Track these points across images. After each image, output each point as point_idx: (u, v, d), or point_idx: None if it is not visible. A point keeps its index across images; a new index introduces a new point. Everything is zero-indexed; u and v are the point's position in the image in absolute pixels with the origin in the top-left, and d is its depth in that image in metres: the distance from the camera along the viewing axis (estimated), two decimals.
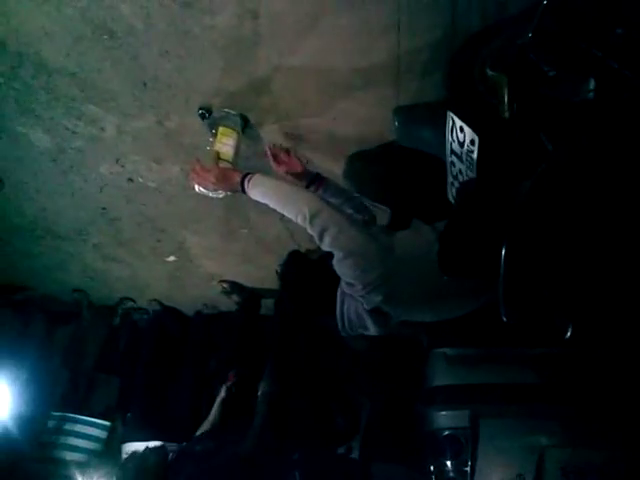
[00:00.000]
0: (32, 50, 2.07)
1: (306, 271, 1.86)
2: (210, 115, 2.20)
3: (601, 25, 1.30)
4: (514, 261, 1.26)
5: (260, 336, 3.61)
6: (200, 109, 2.22)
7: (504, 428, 2.67)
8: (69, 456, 3.65)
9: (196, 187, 2.04)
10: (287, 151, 2.19)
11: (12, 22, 1.97)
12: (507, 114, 1.33)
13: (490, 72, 1.39)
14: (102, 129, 2.43)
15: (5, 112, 2.36)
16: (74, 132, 2.46)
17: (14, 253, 3.49)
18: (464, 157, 1.47)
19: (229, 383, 3.22)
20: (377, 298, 1.63)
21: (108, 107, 2.32)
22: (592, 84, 1.31)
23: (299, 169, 2.13)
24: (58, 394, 3.89)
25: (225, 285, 3.68)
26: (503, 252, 1.23)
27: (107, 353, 4.12)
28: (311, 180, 2.11)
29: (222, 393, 3.17)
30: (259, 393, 3.01)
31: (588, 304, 1.38)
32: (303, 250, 2.02)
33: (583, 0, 1.32)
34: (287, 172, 2.15)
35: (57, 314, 4.12)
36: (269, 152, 2.16)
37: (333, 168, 2.33)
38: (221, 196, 2.04)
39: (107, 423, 3.87)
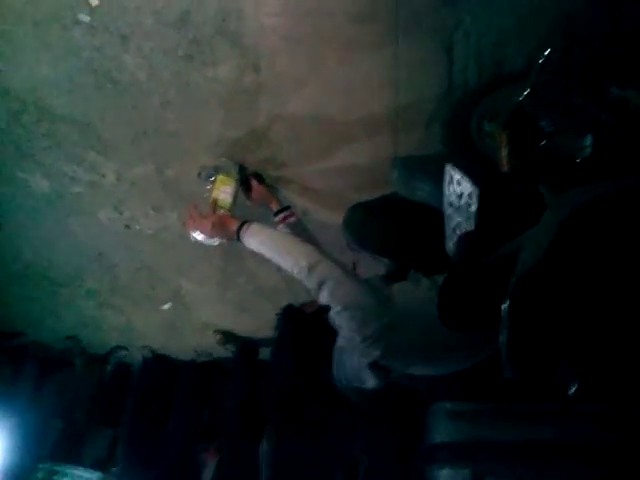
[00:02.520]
0: (35, 97, 2.11)
1: (302, 326, 1.83)
2: (207, 173, 2.22)
3: (596, 83, 1.32)
4: (517, 317, 1.23)
5: (258, 388, 3.54)
6: (199, 171, 2.24)
7: None
8: None
9: (192, 235, 2.03)
10: (259, 179, 2.29)
11: (17, 70, 2.00)
12: (506, 168, 1.33)
13: (488, 127, 1.41)
14: (102, 175, 2.45)
15: (5, 157, 2.38)
16: (73, 178, 2.47)
17: (8, 299, 3.45)
18: (462, 210, 1.46)
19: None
20: (376, 352, 1.60)
21: (108, 154, 2.34)
22: (589, 140, 1.32)
23: (268, 199, 2.26)
24: (49, 444, 3.79)
25: (220, 336, 3.63)
26: (505, 307, 1.21)
27: (99, 402, 4.03)
28: (281, 210, 2.23)
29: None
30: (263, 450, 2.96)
31: (592, 360, 1.35)
32: (300, 302, 1.99)
33: (579, 59, 1.35)
34: (259, 201, 2.28)
35: (49, 361, 4.06)
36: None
37: (332, 218, 2.33)
38: (216, 244, 2.02)
39: (98, 475, 3.74)
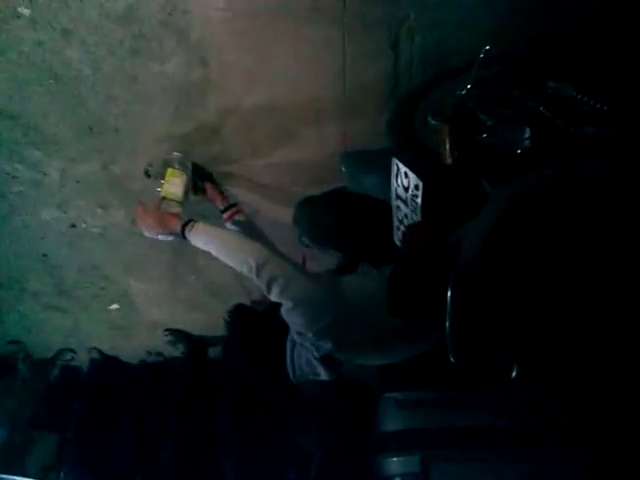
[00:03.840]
0: None
1: (252, 325, 1.84)
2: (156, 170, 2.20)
3: (534, 77, 1.39)
4: (460, 302, 1.28)
5: (209, 385, 3.52)
6: (146, 170, 2.21)
7: (455, 473, 2.66)
8: None
9: (144, 231, 2.00)
10: (207, 176, 2.28)
11: None
12: (449, 160, 1.39)
13: (431, 121, 1.45)
14: (45, 174, 2.38)
15: None
16: (15, 176, 2.39)
17: None
18: (409, 202, 1.51)
19: None
20: (327, 345, 1.63)
21: (52, 151, 2.27)
22: (527, 132, 1.39)
23: (215, 197, 2.26)
24: None
25: (170, 335, 3.58)
26: (449, 294, 1.26)
27: (45, 407, 3.91)
28: (228, 207, 2.22)
29: None
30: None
31: (531, 344, 1.42)
32: (251, 298, 2.00)
33: (518, 54, 1.42)
34: (207, 197, 2.27)
35: None
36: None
37: (283, 214, 2.34)
38: (170, 239, 1.99)
39: None
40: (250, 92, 2.04)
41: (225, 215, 2.22)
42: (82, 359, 3.91)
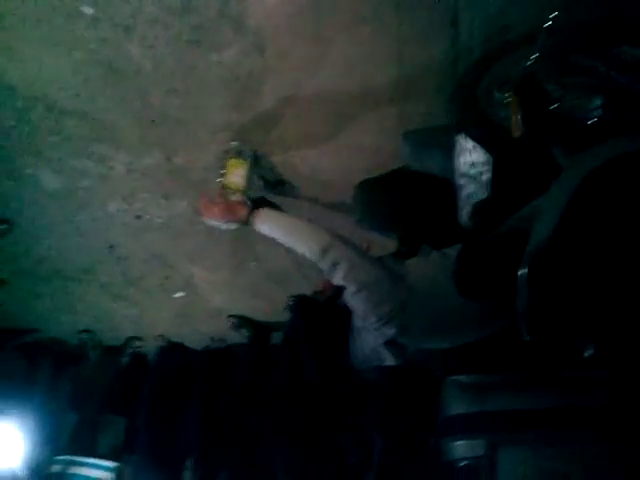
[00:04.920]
0: (41, 92, 2.10)
1: (314, 315, 1.86)
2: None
3: (605, 43, 1.33)
4: (535, 282, 1.25)
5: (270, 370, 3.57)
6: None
7: (522, 456, 2.61)
8: None
9: (207, 220, 2.05)
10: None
11: (22, 66, 2.01)
12: (518, 133, 1.35)
13: (497, 95, 1.42)
14: (110, 167, 2.46)
15: (15, 154, 2.38)
16: (82, 172, 2.48)
17: (22, 296, 3.48)
18: (476, 179, 1.48)
19: None
20: (391, 330, 1.62)
21: (117, 146, 2.34)
22: (599, 101, 1.33)
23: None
24: (65, 437, 3.84)
25: (234, 320, 3.66)
26: (523, 272, 1.23)
27: (115, 394, 4.07)
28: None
29: None
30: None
31: (609, 324, 1.37)
32: (312, 285, 2.02)
33: (586, 20, 1.36)
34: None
35: (64, 356, 4.09)
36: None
37: (342, 198, 2.34)
38: (233, 227, 2.03)
39: (114, 465, 3.79)
40: (307, 78, 2.03)
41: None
42: (149, 346, 4.05)
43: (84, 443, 3.83)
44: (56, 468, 3.65)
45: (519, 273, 1.27)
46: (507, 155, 1.42)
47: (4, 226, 2.76)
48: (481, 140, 1.42)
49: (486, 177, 1.43)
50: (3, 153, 2.37)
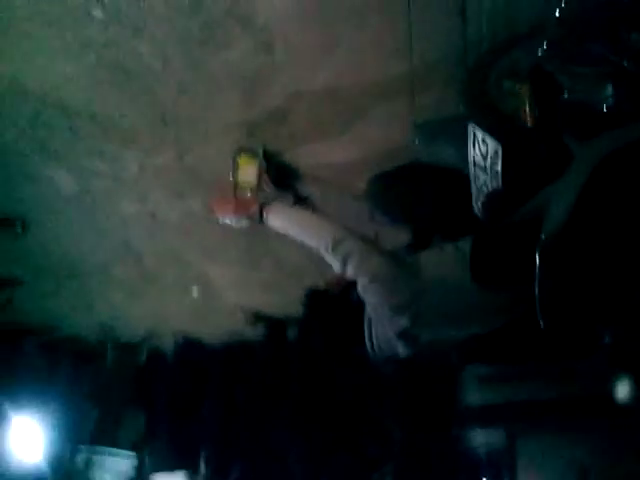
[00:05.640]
0: (54, 95, 2.14)
1: (328, 309, 1.86)
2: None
3: (615, 31, 1.31)
4: (550, 269, 1.25)
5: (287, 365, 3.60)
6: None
7: (542, 445, 2.62)
8: None
9: (219, 217, 2.06)
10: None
11: (35, 70, 2.04)
12: (529, 122, 1.34)
13: (508, 85, 1.41)
14: (123, 167, 2.49)
15: (29, 156, 2.42)
16: (96, 172, 2.51)
17: (40, 294, 3.52)
18: (488, 168, 1.47)
19: None
20: (404, 321, 1.62)
21: (129, 145, 2.37)
22: (610, 89, 1.32)
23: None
24: (87, 431, 3.90)
25: (249, 315, 3.68)
26: (538, 259, 1.23)
27: (134, 389, 4.13)
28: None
29: None
30: None
31: (626, 310, 1.36)
32: (326, 279, 2.02)
33: (596, 9, 1.34)
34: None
35: (84, 353, 4.14)
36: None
37: (354, 191, 2.35)
38: (244, 224, 2.05)
39: (134, 455, 3.86)
40: (316, 73, 2.04)
41: None
42: (166, 342, 4.09)
43: (105, 437, 3.88)
44: (78, 460, 3.71)
45: (535, 260, 1.27)
46: (519, 144, 1.41)
47: (20, 227, 2.80)
48: (492, 130, 1.41)
49: (498, 166, 1.42)
50: (20, 156, 2.41)
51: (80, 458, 3.72)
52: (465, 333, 1.84)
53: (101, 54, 1.97)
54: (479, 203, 1.59)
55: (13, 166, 2.47)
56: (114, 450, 3.80)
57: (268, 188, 2.23)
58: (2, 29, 1.88)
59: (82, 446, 3.77)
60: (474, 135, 1.48)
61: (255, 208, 1.88)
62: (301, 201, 2.23)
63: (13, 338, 3.71)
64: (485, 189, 1.52)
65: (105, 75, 2.05)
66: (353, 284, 1.67)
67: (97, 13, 1.83)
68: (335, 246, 1.65)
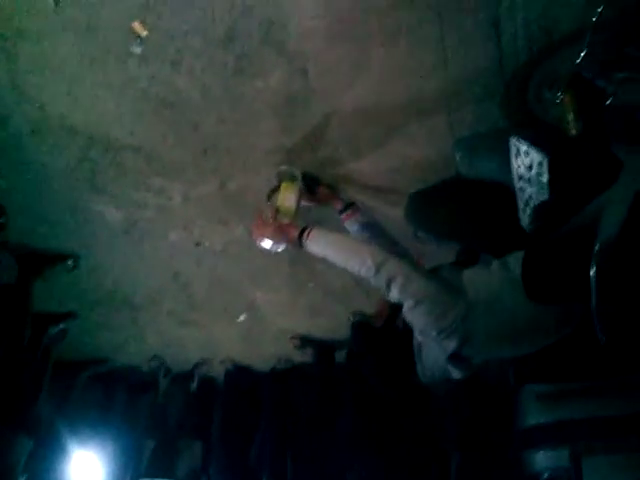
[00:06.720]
0: (100, 132, 2.21)
1: (374, 340, 1.84)
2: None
3: None
4: (605, 282, 1.19)
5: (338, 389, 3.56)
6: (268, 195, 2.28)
7: (609, 465, 2.48)
8: None
9: (258, 243, 2.07)
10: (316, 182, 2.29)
11: (81, 109, 2.11)
12: (574, 132, 1.30)
13: (549, 94, 1.37)
14: (169, 198, 2.54)
15: (79, 192, 2.49)
16: (143, 204, 2.57)
17: (92, 327, 3.61)
18: (534, 181, 1.43)
19: None
20: (452, 343, 1.58)
21: (173, 177, 2.42)
22: None
23: (331, 199, 2.25)
24: (144, 462, 3.94)
25: (297, 341, 3.68)
26: (593, 272, 1.17)
27: (188, 417, 4.16)
28: (345, 207, 2.19)
29: None
30: None
31: None
32: (372, 300, 1.99)
33: (631, 13, 1.29)
34: (322, 202, 2.27)
35: (137, 383, 4.21)
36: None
37: (395, 211, 2.32)
38: (280, 250, 2.05)
39: None
40: (352, 94, 2.04)
41: (343, 215, 2.20)
42: (217, 369, 4.12)
43: (163, 467, 3.92)
44: None
45: (590, 273, 1.22)
46: (565, 154, 1.37)
47: (72, 262, 2.89)
48: (536, 141, 1.37)
49: (545, 178, 1.38)
50: (70, 192, 2.49)
51: None
52: (518, 352, 1.78)
53: (142, 89, 2.03)
54: (526, 216, 1.54)
55: (63, 203, 2.56)
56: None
57: (308, 212, 2.24)
58: (51, 71, 1.96)
59: (141, 477, 3.81)
60: (517, 148, 1.44)
61: (295, 233, 1.87)
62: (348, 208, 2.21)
63: (69, 371, 3.80)
64: (532, 202, 1.47)
65: (146, 109, 2.11)
66: (397, 311, 1.64)
67: (136, 50, 1.89)
68: (378, 269, 1.63)
